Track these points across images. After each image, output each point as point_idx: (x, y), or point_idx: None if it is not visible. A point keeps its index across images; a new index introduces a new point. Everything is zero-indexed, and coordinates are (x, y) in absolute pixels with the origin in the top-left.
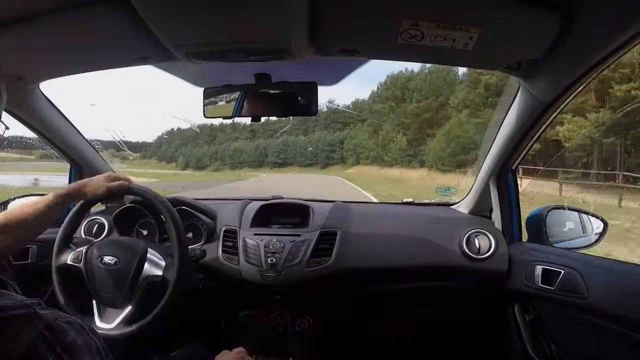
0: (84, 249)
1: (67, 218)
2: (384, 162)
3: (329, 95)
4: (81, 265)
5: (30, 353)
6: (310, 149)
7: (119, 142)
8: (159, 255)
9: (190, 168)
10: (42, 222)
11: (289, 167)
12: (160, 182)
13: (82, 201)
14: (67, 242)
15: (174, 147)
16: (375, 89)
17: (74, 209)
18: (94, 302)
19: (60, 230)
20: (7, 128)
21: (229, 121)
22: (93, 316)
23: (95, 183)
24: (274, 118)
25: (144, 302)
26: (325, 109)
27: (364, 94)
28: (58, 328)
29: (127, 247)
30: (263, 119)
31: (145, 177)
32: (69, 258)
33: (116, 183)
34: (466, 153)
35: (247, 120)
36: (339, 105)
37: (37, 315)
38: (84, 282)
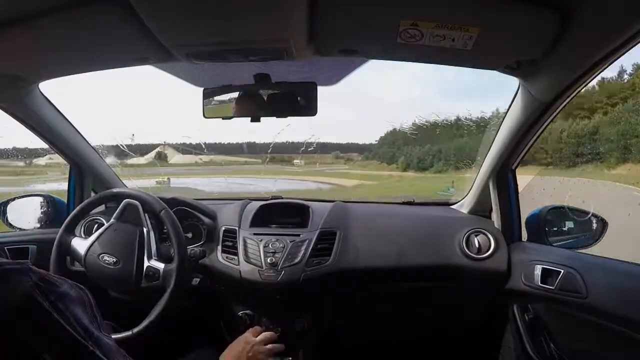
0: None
1: (54, 247)
2: None
3: (329, 96)
4: (83, 268)
5: (26, 301)
6: None
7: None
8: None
9: (411, 169)
10: None
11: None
12: (377, 184)
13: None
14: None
15: (395, 147)
16: None
17: (57, 240)
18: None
19: (53, 260)
20: None
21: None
22: None
23: None
24: None
25: (146, 294)
26: None
27: None
28: (52, 280)
29: (127, 247)
30: None
31: (355, 178)
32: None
33: None
34: None
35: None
36: None
37: (30, 270)
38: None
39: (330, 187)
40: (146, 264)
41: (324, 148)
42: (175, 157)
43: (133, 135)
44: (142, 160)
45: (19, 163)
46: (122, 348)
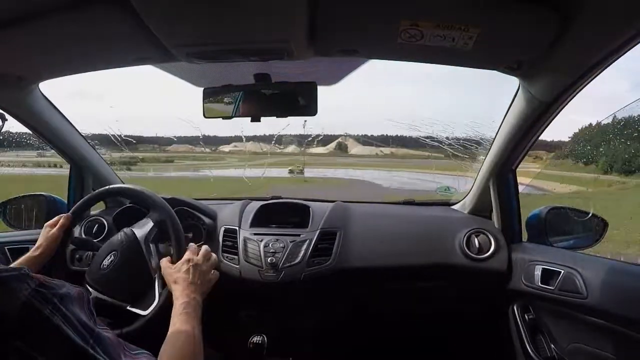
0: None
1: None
2: None
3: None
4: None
5: (26, 309)
6: None
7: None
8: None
9: (614, 172)
10: None
11: None
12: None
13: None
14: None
15: (592, 145)
16: None
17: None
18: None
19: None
20: (5, 120)
21: None
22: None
23: (43, 238)
24: None
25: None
26: None
27: None
28: (51, 285)
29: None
30: None
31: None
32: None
33: (60, 220)
34: None
35: None
36: None
37: (28, 276)
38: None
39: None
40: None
41: None
42: (355, 148)
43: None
44: (322, 150)
45: (206, 149)
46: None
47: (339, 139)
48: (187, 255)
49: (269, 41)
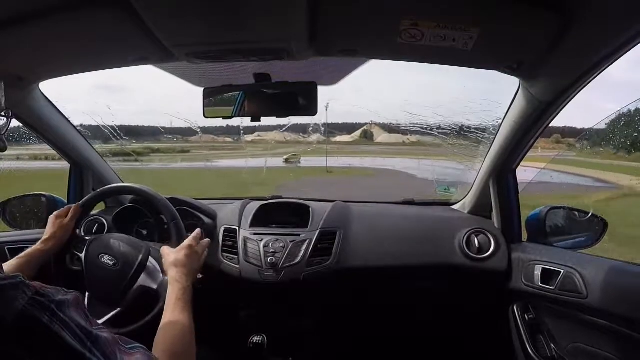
0: (87, 242)
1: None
2: None
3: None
4: (82, 256)
5: (23, 317)
6: None
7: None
8: (157, 267)
9: None
10: None
11: None
12: None
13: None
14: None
15: (632, 131)
16: None
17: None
18: (87, 293)
19: (53, 261)
20: (10, 118)
21: None
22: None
23: (53, 230)
24: None
25: (134, 306)
26: None
27: None
28: (47, 292)
29: (128, 252)
30: None
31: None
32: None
33: (70, 211)
34: None
35: None
36: None
37: (24, 284)
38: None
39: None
40: (144, 272)
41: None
42: (382, 136)
43: None
44: (347, 138)
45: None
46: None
47: (365, 127)
48: (190, 240)
49: (269, 41)
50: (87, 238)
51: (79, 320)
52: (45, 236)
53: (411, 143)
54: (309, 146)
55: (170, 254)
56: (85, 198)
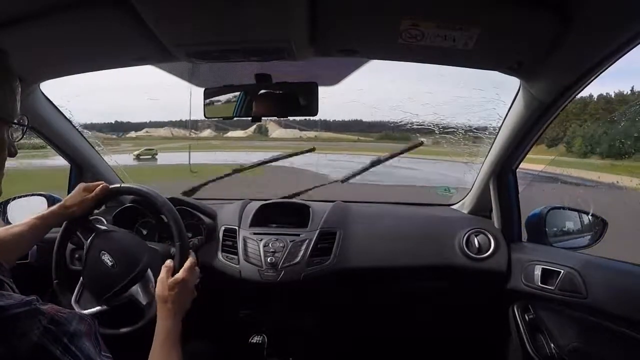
0: (93, 232)
1: (55, 247)
2: None
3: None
4: (85, 245)
5: (37, 350)
6: None
7: None
8: (152, 281)
9: (595, 155)
10: (20, 245)
11: None
12: None
13: (66, 223)
14: (60, 269)
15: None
16: None
17: (59, 236)
18: (79, 281)
19: (53, 260)
20: (27, 126)
21: None
22: (71, 294)
23: (77, 199)
24: None
25: (119, 312)
26: None
27: None
28: (61, 320)
29: (129, 258)
30: None
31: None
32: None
33: (97, 189)
34: None
35: None
36: None
37: (39, 311)
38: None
39: None
40: (139, 283)
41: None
42: (277, 132)
43: None
44: (241, 133)
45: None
46: (117, 344)
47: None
48: (184, 274)
49: (269, 41)
50: (98, 226)
51: (89, 351)
52: (66, 202)
53: (307, 138)
54: (195, 142)
55: (165, 289)
56: (115, 185)
